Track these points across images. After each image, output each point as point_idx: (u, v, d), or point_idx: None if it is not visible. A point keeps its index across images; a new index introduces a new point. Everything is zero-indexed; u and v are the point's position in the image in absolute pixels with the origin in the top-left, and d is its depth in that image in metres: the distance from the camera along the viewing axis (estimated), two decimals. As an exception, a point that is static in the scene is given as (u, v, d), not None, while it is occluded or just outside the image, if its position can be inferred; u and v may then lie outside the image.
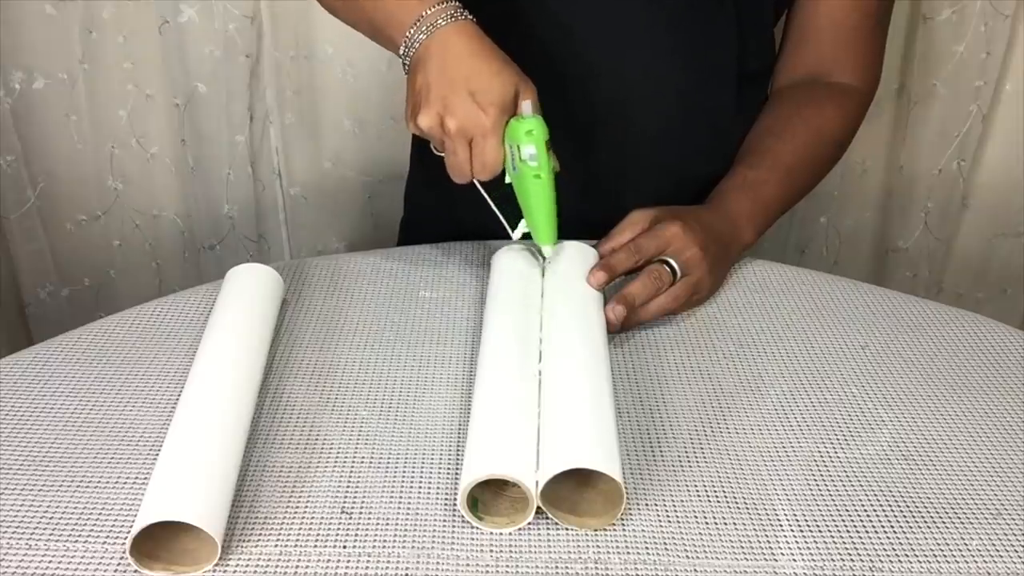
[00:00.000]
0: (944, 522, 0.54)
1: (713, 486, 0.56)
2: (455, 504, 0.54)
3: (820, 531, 0.53)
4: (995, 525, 0.54)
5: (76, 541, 0.52)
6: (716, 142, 0.86)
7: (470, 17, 0.68)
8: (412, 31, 0.67)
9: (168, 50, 1.21)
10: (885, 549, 0.52)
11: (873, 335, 0.71)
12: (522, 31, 0.78)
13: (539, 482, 0.52)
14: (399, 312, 0.74)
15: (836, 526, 0.54)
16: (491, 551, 0.52)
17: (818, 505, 0.55)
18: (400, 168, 1.09)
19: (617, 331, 0.69)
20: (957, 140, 1.26)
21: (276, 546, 0.52)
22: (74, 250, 1.34)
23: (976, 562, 0.52)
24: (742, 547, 0.52)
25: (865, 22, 0.84)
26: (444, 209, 0.93)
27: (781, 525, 0.54)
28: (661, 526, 0.53)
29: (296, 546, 0.52)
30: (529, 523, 0.53)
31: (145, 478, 0.56)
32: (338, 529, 0.53)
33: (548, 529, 0.53)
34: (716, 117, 0.85)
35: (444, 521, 0.54)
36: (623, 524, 0.53)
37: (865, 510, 0.55)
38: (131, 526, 0.51)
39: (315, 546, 0.52)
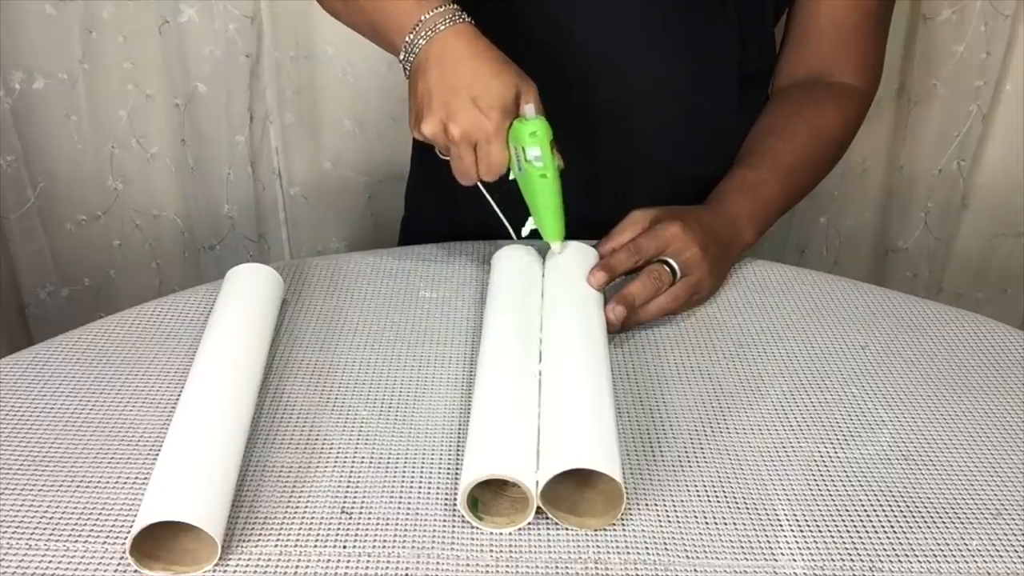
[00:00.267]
0: (944, 522, 0.54)
1: (713, 486, 0.56)
2: (455, 504, 0.54)
3: (820, 531, 0.53)
4: (995, 525, 0.54)
5: (76, 541, 0.52)
6: (716, 143, 0.85)
7: (469, 20, 0.68)
8: (412, 35, 0.67)
9: (168, 50, 1.21)
10: (885, 549, 0.52)
11: (873, 335, 0.71)
12: (521, 32, 0.78)
13: (539, 482, 0.52)
14: (399, 312, 0.74)
15: (836, 526, 0.54)
16: (491, 551, 0.52)
17: (818, 505, 0.55)
18: (400, 168, 1.09)
19: (617, 331, 0.69)
20: (957, 140, 1.26)
21: (276, 546, 0.52)
22: (74, 250, 1.34)
23: (976, 562, 0.52)
24: (742, 547, 0.52)
25: (866, 22, 0.84)
26: (444, 209, 0.93)
27: (781, 525, 0.54)
28: (661, 526, 0.53)
29: (296, 546, 0.52)
30: (529, 523, 0.53)
31: (145, 478, 0.56)
32: (338, 529, 0.53)
33: (548, 529, 0.53)
34: (716, 118, 0.85)
35: (444, 521, 0.54)
36: (623, 524, 0.53)
37: (865, 510, 0.55)
38: (131, 526, 0.51)
39: (315, 546, 0.52)
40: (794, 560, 0.52)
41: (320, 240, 1.40)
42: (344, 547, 0.52)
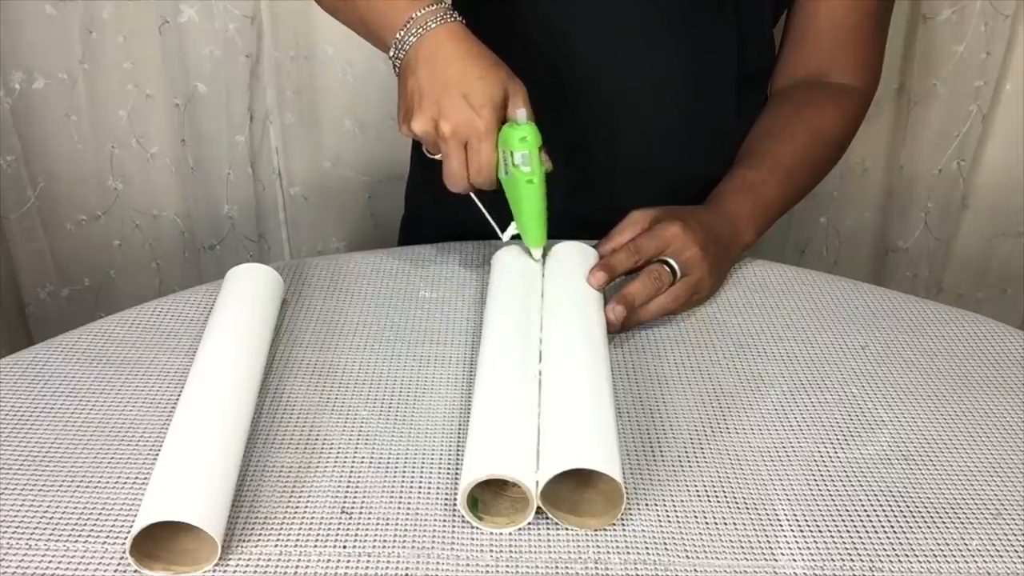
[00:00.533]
0: (944, 522, 0.54)
1: (713, 486, 0.56)
2: (455, 504, 0.54)
3: (820, 531, 0.53)
4: (995, 525, 0.54)
5: (76, 541, 0.52)
6: (715, 144, 0.85)
7: (460, 19, 0.68)
8: (402, 33, 0.67)
9: (168, 50, 1.21)
10: (885, 549, 0.52)
11: (873, 335, 0.71)
12: (517, 34, 0.78)
13: (539, 482, 0.52)
14: (399, 312, 0.74)
15: (836, 526, 0.54)
16: (491, 551, 0.52)
17: (818, 505, 0.55)
18: (400, 168, 1.09)
19: (617, 331, 0.69)
20: (957, 140, 1.26)
21: (276, 546, 0.52)
22: (74, 250, 1.35)
23: (976, 562, 0.52)
24: (742, 547, 0.52)
25: (865, 22, 0.84)
26: (444, 209, 0.93)
27: (781, 525, 0.54)
28: (661, 526, 0.53)
29: (296, 546, 0.52)
30: (529, 523, 0.53)
31: (145, 478, 0.56)
32: (338, 529, 0.53)
33: (548, 529, 0.53)
34: (715, 119, 0.85)
35: (444, 521, 0.54)
36: (623, 524, 0.53)
37: (865, 510, 0.55)
38: (131, 526, 0.51)
39: (315, 546, 0.52)
40: (794, 560, 0.52)
41: (320, 240, 1.40)
42: (344, 547, 0.52)
